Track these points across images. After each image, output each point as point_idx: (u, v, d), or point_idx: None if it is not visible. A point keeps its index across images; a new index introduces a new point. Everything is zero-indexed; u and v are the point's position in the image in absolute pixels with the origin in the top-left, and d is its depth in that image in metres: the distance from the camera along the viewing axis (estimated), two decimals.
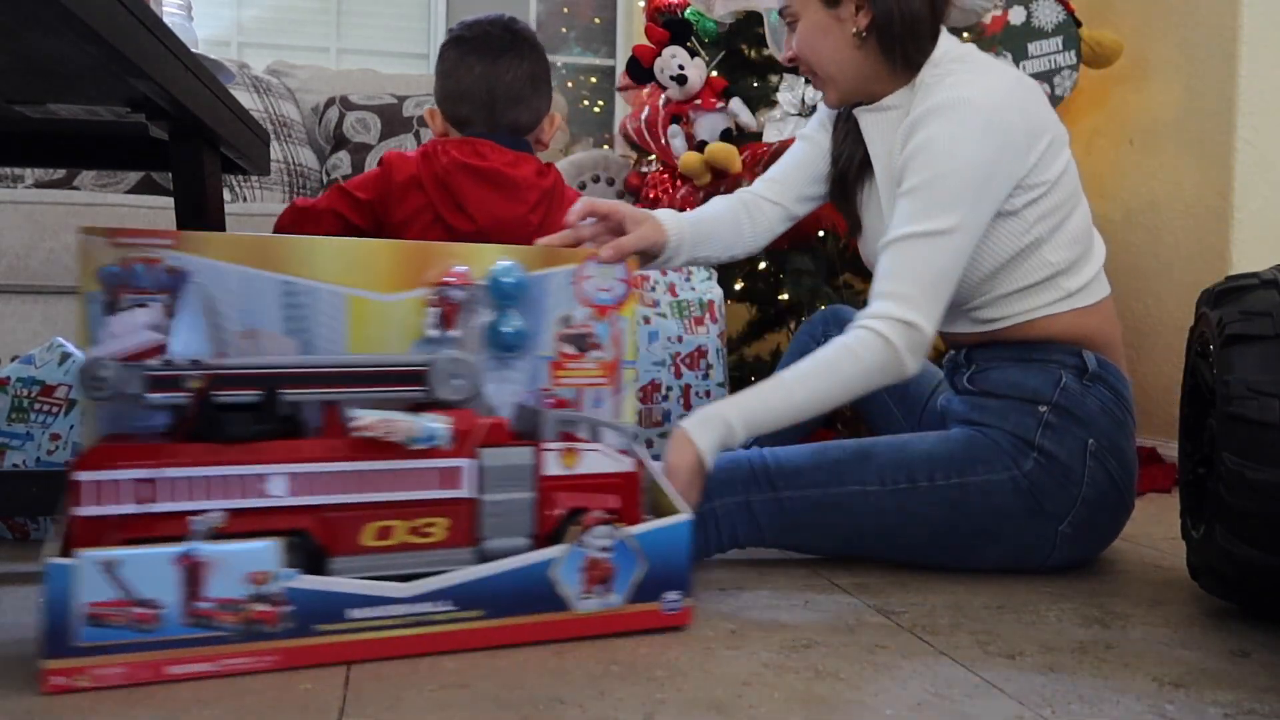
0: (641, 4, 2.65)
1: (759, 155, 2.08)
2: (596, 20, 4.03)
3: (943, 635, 0.98)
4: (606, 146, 3.53)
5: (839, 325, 1.47)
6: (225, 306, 0.94)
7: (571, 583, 0.92)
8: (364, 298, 0.98)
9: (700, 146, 2.11)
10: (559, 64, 3.99)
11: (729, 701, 0.79)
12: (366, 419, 0.87)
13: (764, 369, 2.19)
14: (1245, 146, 1.92)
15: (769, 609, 1.05)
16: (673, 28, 2.16)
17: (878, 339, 1.11)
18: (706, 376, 1.75)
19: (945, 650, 0.93)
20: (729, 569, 1.22)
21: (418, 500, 0.90)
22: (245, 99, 2.62)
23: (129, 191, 2.36)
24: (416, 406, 0.92)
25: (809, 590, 1.13)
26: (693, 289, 1.83)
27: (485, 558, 0.91)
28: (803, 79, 2.09)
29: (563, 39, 4.02)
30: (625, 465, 0.98)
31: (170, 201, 1.69)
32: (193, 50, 1.04)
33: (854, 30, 1.22)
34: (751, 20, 2.20)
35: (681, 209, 2.13)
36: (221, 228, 1.22)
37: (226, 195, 2.49)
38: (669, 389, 1.73)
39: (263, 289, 0.95)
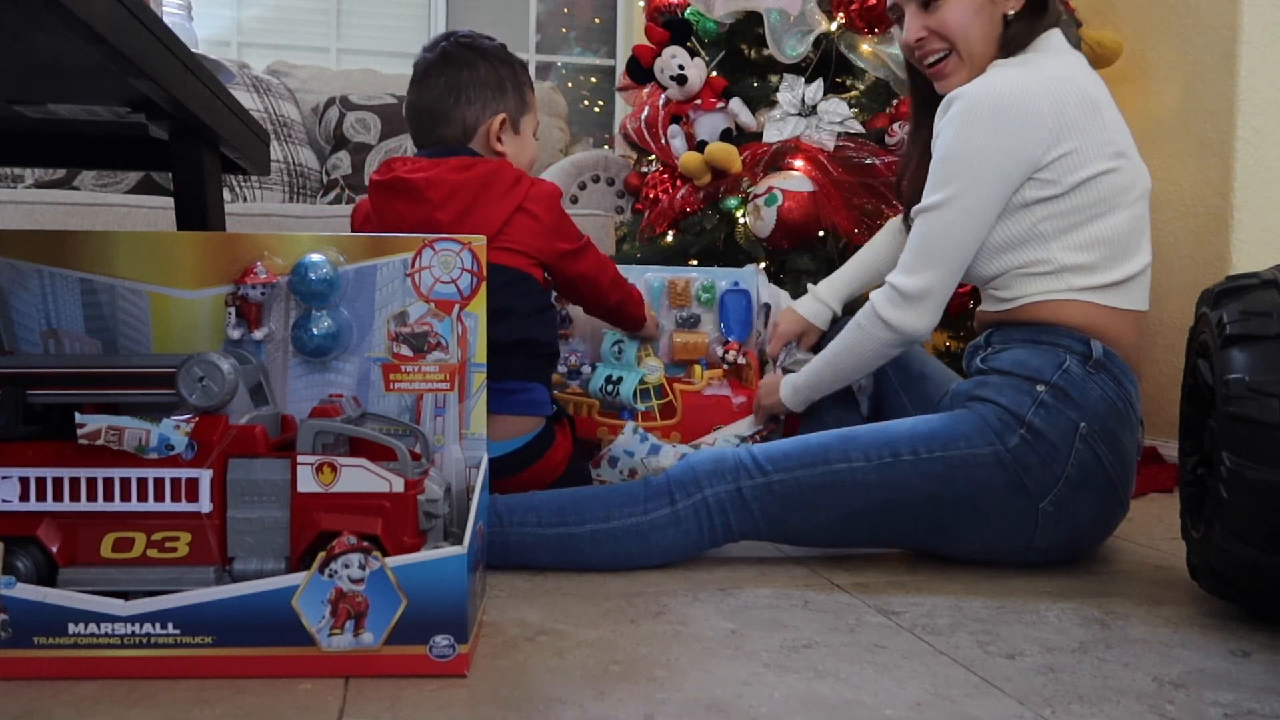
0: (641, 4, 2.65)
1: (759, 155, 2.08)
2: (596, 20, 4.03)
3: (943, 635, 0.98)
4: (606, 146, 3.53)
5: None
6: (25, 305, 0.91)
7: (316, 616, 0.82)
8: (166, 295, 0.92)
9: (700, 146, 2.11)
10: (559, 64, 3.99)
11: (729, 701, 0.79)
12: (91, 425, 0.82)
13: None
14: (1245, 146, 1.92)
15: (769, 609, 1.06)
16: (673, 28, 2.16)
17: (869, 305, 1.31)
18: None
19: (945, 650, 0.93)
20: (729, 569, 1.22)
21: (155, 512, 0.84)
22: (245, 99, 2.62)
23: (129, 191, 2.37)
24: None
25: (809, 590, 1.14)
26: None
27: (237, 580, 0.84)
28: (803, 79, 2.09)
29: (563, 39, 4.02)
30: (393, 485, 0.86)
31: (170, 201, 1.69)
32: (193, 50, 1.04)
33: (1005, 12, 1.30)
34: (751, 20, 2.20)
35: (681, 209, 2.15)
36: (222, 227, 1.22)
37: (226, 195, 2.49)
38: None
39: (62, 288, 0.92)
